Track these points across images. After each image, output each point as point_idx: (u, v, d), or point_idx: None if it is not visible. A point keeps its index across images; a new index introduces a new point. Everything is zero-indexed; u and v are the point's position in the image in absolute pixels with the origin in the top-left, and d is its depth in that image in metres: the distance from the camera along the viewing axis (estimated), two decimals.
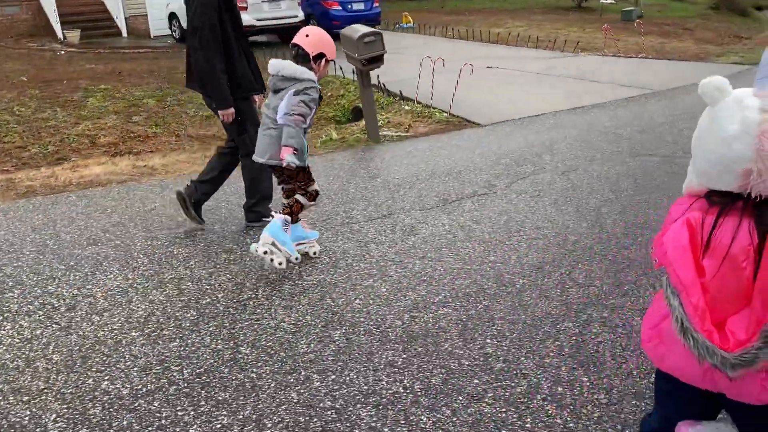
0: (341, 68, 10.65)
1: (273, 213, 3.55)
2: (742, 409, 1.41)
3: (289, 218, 3.47)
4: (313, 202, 3.66)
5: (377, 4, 15.77)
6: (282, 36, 15.40)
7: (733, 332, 1.29)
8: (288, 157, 3.24)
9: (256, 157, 3.52)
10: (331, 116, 9.75)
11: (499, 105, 8.46)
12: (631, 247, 3.81)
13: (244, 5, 14.10)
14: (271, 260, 3.36)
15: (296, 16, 14.64)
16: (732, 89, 1.39)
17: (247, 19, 14.11)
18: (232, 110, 3.86)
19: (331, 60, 3.49)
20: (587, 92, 9.03)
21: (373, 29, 6.47)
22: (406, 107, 8.65)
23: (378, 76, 9.72)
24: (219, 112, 3.88)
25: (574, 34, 16.02)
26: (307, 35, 3.43)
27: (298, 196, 3.55)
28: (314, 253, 3.75)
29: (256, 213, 4.15)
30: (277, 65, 3.37)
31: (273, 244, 3.36)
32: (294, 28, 15.16)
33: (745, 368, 1.26)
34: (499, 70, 11.08)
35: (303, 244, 3.71)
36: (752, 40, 18.55)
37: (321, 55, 3.43)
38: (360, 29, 6.36)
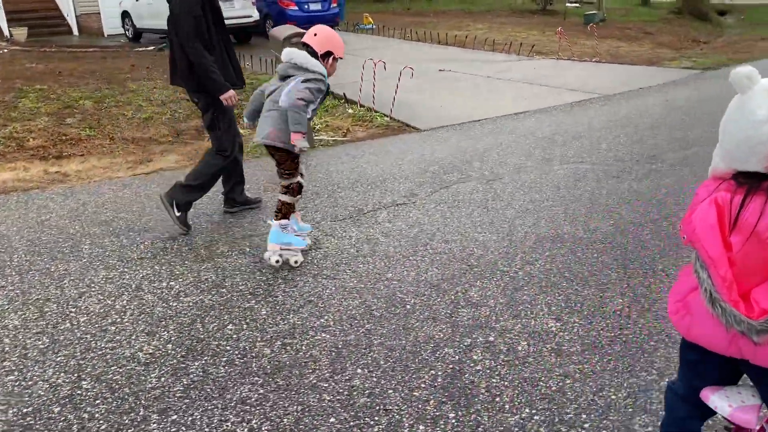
0: None
1: (180, 218, 3.91)
2: (760, 374, 1.52)
3: (285, 221, 3.59)
4: (299, 196, 3.67)
5: (335, 4, 15.51)
6: (238, 36, 15.05)
7: (758, 302, 1.39)
8: (299, 143, 3.30)
9: (256, 138, 3.52)
10: None
11: (443, 109, 8.26)
12: (536, 263, 3.61)
13: None
14: (296, 263, 3.61)
15: (250, 16, 14.30)
16: (760, 79, 1.47)
17: None
18: (231, 92, 3.89)
19: (340, 58, 3.54)
20: (534, 97, 8.90)
21: (301, 31, 6.21)
22: (350, 111, 8.41)
23: None
24: (221, 97, 3.86)
25: (533, 37, 15.95)
26: (315, 34, 3.50)
27: (282, 197, 3.58)
28: (296, 263, 3.68)
29: (177, 197, 4.02)
30: (290, 53, 3.41)
31: (281, 249, 3.58)
32: (249, 28, 14.97)
33: None
34: (450, 73, 10.91)
35: (287, 249, 3.70)
36: (710, 45, 18.74)
37: (329, 53, 3.49)
38: (286, 30, 6.12)
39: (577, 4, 26.86)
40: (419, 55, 13.03)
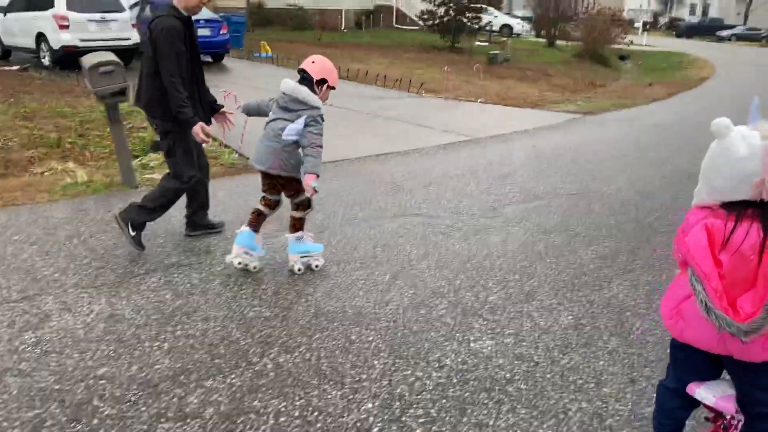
0: None
1: (134, 237, 4.11)
2: (740, 369, 1.86)
3: (300, 233, 3.86)
4: (310, 209, 3.90)
5: (225, 31, 14.83)
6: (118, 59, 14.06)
7: (743, 308, 1.71)
8: (312, 183, 3.45)
9: (255, 164, 3.73)
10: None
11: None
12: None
13: (66, 24, 12.72)
14: (316, 267, 3.93)
15: (129, 39, 13.38)
16: (734, 127, 1.80)
17: (67, 38, 12.72)
18: (198, 127, 3.85)
19: (333, 87, 3.71)
20: (405, 136, 8.51)
21: (113, 59, 5.48)
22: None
23: None
24: (192, 131, 3.85)
25: (429, 74, 15.83)
26: (313, 62, 3.67)
27: (294, 213, 3.83)
28: (255, 267, 3.93)
29: (134, 217, 4.09)
30: (293, 88, 3.57)
31: (301, 257, 3.87)
32: (128, 51, 14.02)
33: (755, 334, 1.70)
34: (331, 108, 10.40)
35: (250, 254, 3.89)
36: (606, 88, 19.34)
37: (323, 81, 3.65)
38: (94, 58, 5.37)
39: (487, 43, 27.36)
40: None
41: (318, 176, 3.49)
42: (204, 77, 4.18)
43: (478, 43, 26.49)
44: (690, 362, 1.98)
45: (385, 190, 5.90)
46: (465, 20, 24.05)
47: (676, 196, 5.92)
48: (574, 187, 6.13)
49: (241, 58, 16.85)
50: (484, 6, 25.00)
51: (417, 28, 26.74)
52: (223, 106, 4.37)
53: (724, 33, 43.45)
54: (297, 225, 3.87)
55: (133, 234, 4.09)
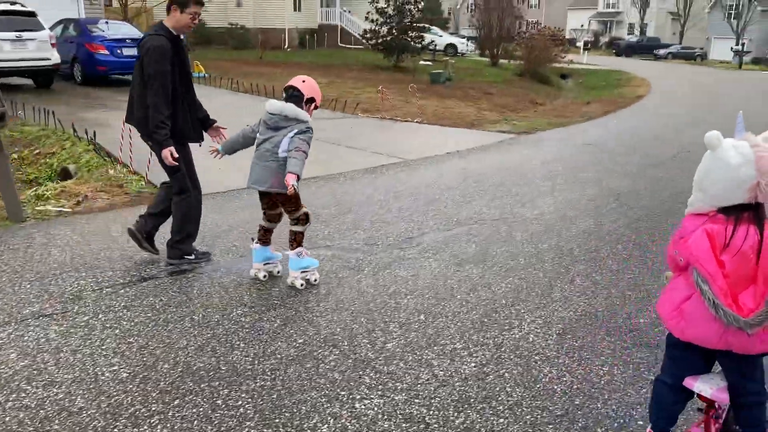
0: (59, 121, 8.96)
1: (198, 253, 4.33)
2: (735, 362, 2.04)
3: (300, 249, 3.93)
4: (308, 223, 3.99)
5: None
6: (36, 80, 13.30)
7: (745, 303, 1.88)
8: (292, 182, 3.57)
9: (254, 185, 3.87)
10: (32, 178, 7.99)
11: (220, 173, 7.23)
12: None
13: None
14: (315, 281, 4.03)
15: (48, 59, 12.64)
16: (724, 139, 1.98)
17: None
18: (168, 151, 3.93)
19: (317, 107, 3.96)
20: (333, 159, 8.15)
21: None
22: (111, 171, 7.15)
23: (95, 132, 8.20)
24: (161, 153, 3.95)
25: (368, 94, 15.57)
26: (303, 81, 3.86)
27: (294, 228, 3.93)
28: (278, 272, 4.16)
29: (179, 250, 4.26)
30: (280, 107, 3.75)
31: (303, 272, 3.96)
32: (47, 72, 13.30)
33: (759, 327, 1.86)
34: None
35: (270, 263, 4.11)
36: (546, 107, 19.51)
37: (311, 100, 3.86)
38: None
39: (430, 62, 27.41)
40: (231, 108, 12.05)
41: (299, 178, 3.64)
42: (194, 93, 4.23)
43: (422, 62, 26.52)
44: (687, 360, 2.12)
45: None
46: (408, 40, 24.01)
47: (600, 220, 5.72)
48: (498, 212, 5.87)
49: None
50: (427, 26, 25.06)
51: (362, 47, 26.59)
52: (216, 121, 4.42)
53: (661, 51, 45.03)
54: (298, 239, 3.97)
55: (193, 257, 4.32)
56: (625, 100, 18.64)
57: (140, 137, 4.26)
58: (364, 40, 26.15)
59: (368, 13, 24.74)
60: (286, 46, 29.63)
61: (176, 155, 3.97)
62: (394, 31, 23.89)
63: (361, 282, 4.12)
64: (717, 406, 2.17)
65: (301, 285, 3.96)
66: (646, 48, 46.89)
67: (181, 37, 4.10)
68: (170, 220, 4.33)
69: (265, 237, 4.07)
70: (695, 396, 2.16)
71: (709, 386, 2.10)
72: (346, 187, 6.77)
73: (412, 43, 24.32)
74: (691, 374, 2.14)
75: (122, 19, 24.89)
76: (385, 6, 23.77)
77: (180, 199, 4.20)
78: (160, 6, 26.62)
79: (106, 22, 15.11)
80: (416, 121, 11.92)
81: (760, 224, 1.92)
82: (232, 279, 4.11)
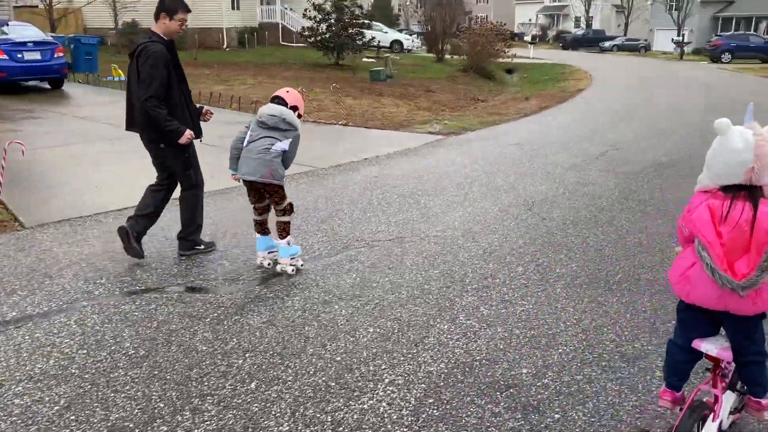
0: None
1: (205, 243, 4.67)
2: (735, 323, 2.27)
3: (289, 238, 4.27)
4: (293, 212, 4.31)
5: (60, 54, 13.16)
6: None
7: (740, 269, 2.11)
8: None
9: (247, 176, 4.11)
10: None
11: (96, 192, 6.40)
12: None
13: None
14: (299, 267, 4.33)
15: None
16: (732, 125, 2.20)
17: None
18: (188, 133, 4.24)
19: (301, 115, 4.29)
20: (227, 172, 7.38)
21: None
22: None
23: None
24: (180, 141, 4.21)
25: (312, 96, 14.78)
26: (287, 91, 4.26)
27: (281, 218, 4.25)
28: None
29: (191, 242, 4.54)
30: (283, 112, 4.12)
31: (292, 259, 4.29)
32: None
33: (750, 289, 2.10)
34: None
35: (273, 252, 4.41)
36: (488, 102, 19.08)
37: (295, 108, 4.23)
38: None
39: (374, 59, 26.73)
40: None
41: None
42: (191, 94, 4.46)
43: (365, 59, 25.84)
44: (694, 321, 2.34)
45: (160, 246, 4.75)
46: (348, 37, 23.29)
47: (507, 235, 5.14)
48: (396, 231, 5.23)
49: (87, 83, 15.14)
50: (367, 22, 24.32)
51: (304, 45, 25.69)
52: (202, 107, 4.60)
53: (607, 44, 45.42)
54: (286, 228, 4.26)
55: (203, 247, 4.62)
56: (565, 94, 18.34)
57: (144, 143, 4.40)
58: (303, 38, 25.33)
59: (306, 10, 23.92)
60: (225, 46, 28.54)
61: (194, 137, 4.29)
62: (333, 28, 23.13)
63: (195, 336, 3.40)
64: (723, 366, 2.40)
65: (292, 271, 4.27)
66: (592, 41, 47.25)
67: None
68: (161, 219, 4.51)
69: (262, 228, 4.39)
70: (703, 357, 2.37)
71: (715, 346, 2.31)
72: (235, 204, 6.02)
73: (352, 40, 23.60)
74: (698, 336, 2.36)
75: (49, 21, 23.55)
76: (323, 2, 22.97)
77: (191, 194, 4.48)
78: (90, 6, 25.41)
79: (7, 24, 13.92)
80: (340, 124, 11.22)
81: (754, 202, 2.14)
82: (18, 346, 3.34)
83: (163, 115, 4.11)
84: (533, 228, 5.33)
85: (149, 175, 4.58)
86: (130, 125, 4.37)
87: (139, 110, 4.19)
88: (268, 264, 4.35)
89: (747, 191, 2.15)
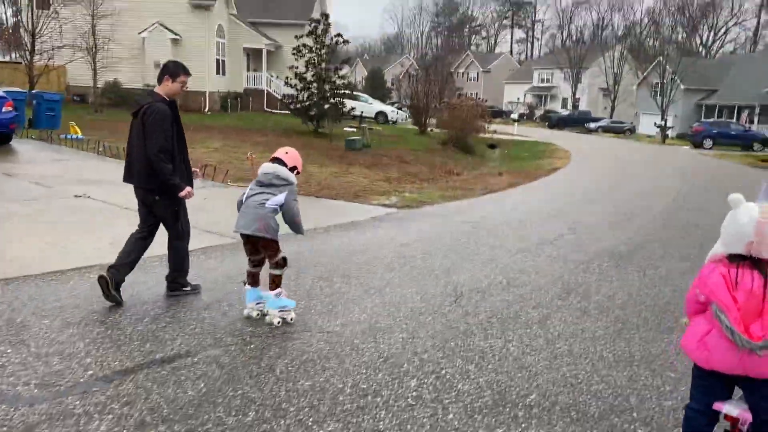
0: None
1: (191, 285, 4.94)
2: (752, 386, 2.40)
3: (279, 290, 4.39)
4: (286, 267, 4.44)
5: (9, 108, 12.64)
6: None
7: (755, 332, 2.26)
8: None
9: (242, 230, 4.35)
10: None
11: (18, 253, 5.62)
12: None
13: None
14: (291, 320, 4.42)
15: None
16: (745, 201, 2.43)
17: None
18: (189, 188, 4.63)
19: (299, 173, 4.56)
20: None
21: None
22: None
23: None
24: (180, 194, 4.58)
25: (265, 161, 14.23)
26: (286, 152, 4.49)
27: (273, 271, 4.39)
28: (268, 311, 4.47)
29: (177, 284, 4.87)
30: (276, 169, 4.36)
31: (280, 311, 4.38)
32: None
33: (767, 349, 2.24)
34: (88, 201, 8.45)
35: (261, 303, 4.50)
36: (461, 177, 18.66)
37: (294, 168, 4.47)
38: None
39: (355, 129, 26.54)
40: (73, 173, 10.52)
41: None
42: (188, 152, 4.78)
43: (347, 128, 25.66)
44: (712, 387, 2.48)
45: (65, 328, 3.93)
46: (328, 106, 23.17)
47: (416, 332, 4.34)
48: (289, 322, 4.44)
49: (42, 140, 14.57)
50: (348, 92, 24.27)
51: (288, 112, 25.52)
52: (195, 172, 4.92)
53: (593, 125, 46.05)
54: (276, 281, 4.37)
55: (187, 289, 4.87)
56: (539, 171, 17.97)
57: (137, 192, 4.68)
58: (283, 105, 25.25)
59: (287, 78, 23.91)
60: (206, 110, 28.42)
61: (192, 195, 4.66)
62: (314, 96, 23.04)
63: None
64: (740, 425, 2.50)
65: (278, 322, 4.33)
66: (578, 121, 47.97)
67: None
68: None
69: (253, 280, 4.51)
70: (720, 419, 2.52)
71: (736, 408, 2.47)
72: (146, 277, 5.22)
73: (334, 109, 23.48)
74: (715, 400, 2.50)
75: (28, 77, 23.35)
76: (304, 72, 22.97)
77: (178, 244, 4.81)
78: (74, 64, 25.32)
79: None
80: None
81: (762, 271, 2.34)
82: None
83: (169, 170, 4.42)
84: (450, 326, 4.55)
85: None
86: (128, 177, 4.68)
87: (139, 163, 4.50)
88: (257, 315, 4.45)
89: (751, 261, 2.35)
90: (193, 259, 5.29)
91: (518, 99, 62.96)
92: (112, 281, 4.47)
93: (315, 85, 22.90)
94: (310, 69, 23.02)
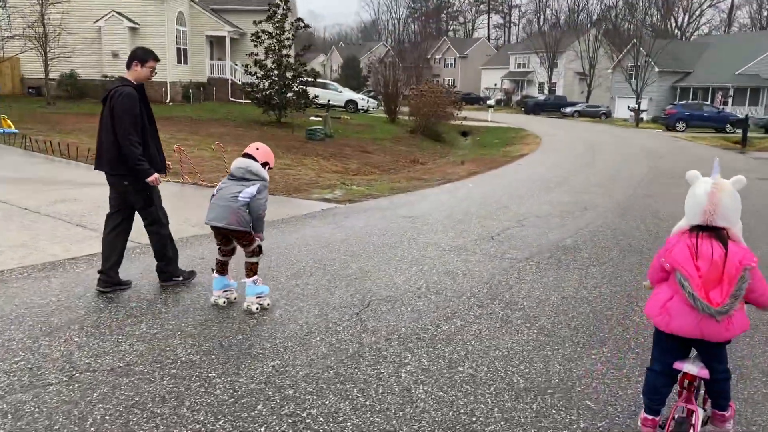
0: None
1: (184, 274, 4.91)
2: (707, 348, 2.59)
3: (256, 277, 4.43)
4: (261, 254, 4.54)
5: None
6: None
7: (714, 298, 2.43)
8: (261, 238, 4.49)
9: (214, 222, 4.36)
10: None
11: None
12: None
13: None
14: (268, 305, 4.45)
15: None
16: (701, 176, 2.64)
17: None
18: (156, 175, 4.55)
19: (271, 168, 4.57)
20: (51, 241, 5.87)
21: None
22: None
23: None
24: (147, 180, 4.49)
25: (203, 152, 13.42)
26: (257, 148, 4.51)
27: (249, 259, 4.46)
28: (235, 298, 4.56)
29: (168, 273, 4.82)
30: (249, 164, 4.38)
31: (258, 297, 4.41)
32: None
33: (725, 315, 2.42)
34: None
35: (228, 291, 4.56)
36: (425, 165, 17.96)
37: (266, 163, 4.50)
38: None
39: (319, 117, 25.66)
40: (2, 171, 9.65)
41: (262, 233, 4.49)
42: (158, 135, 4.77)
43: (313, 117, 24.77)
44: (671, 349, 2.64)
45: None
46: (291, 94, 22.28)
47: (286, 362, 3.62)
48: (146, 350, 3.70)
49: None
50: (312, 79, 23.35)
51: (252, 101, 24.58)
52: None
53: (568, 110, 45.51)
54: (253, 268, 4.45)
55: (180, 279, 4.89)
56: (505, 159, 17.32)
57: (108, 179, 4.61)
58: (244, 95, 24.32)
59: (247, 65, 22.97)
60: (167, 101, 27.37)
61: (159, 181, 4.59)
62: (275, 85, 22.13)
63: None
64: (696, 383, 2.69)
65: (257, 309, 4.36)
66: (554, 106, 47.41)
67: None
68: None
69: (222, 268, 4.51)
70: (678, 379, 2.69)
71: (696, 366, 2.61)
72: (48, 283, 4.44)
73: (295, 98, 22.61)
74: (674, 360, 2.64)
75: None
76: (264, 59, 22.02)
77: (154, 230, 4.72)
78: (28, 56, 24.13)
79: None
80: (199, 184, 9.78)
81: (722, 241, 2.50)
82: None
83: (137, 154, 4.40)
84: (338, 347, 3.84)
85: None
86: (99, 165, 4.62)
87: (109, 149, 4.45)
88: (223, 302, 4.47)
89: (711, 231, 2.53)
90: (44, 273, 4.51)
91: (495, 85, 62.26)
92: (110, 282, 4.60)
93: (276, 72, 22.00)
94: (270, 56, 22.11)
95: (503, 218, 8.11)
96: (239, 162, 4.40)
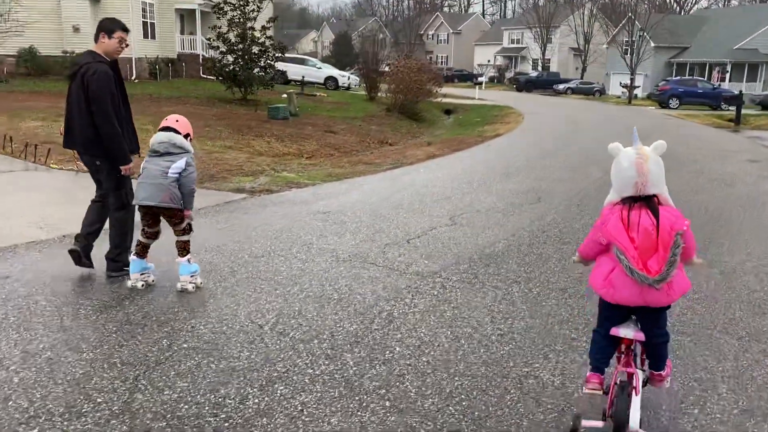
0: None
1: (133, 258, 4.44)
2: (647, 315, 2.63)
3: (189, 256, 4.29)
4: (192, 231, 4.37)
5: None
6: None
7: (652, 266, 2.46)
8: (191, 216, 4.33)
9: (145, 201, 4.15)
10: None
11: None
12: None
13: None
14: (199, 285, 4.32)
15: None
16: (623, 148, 2.64)
17: None
18: (129, 165, 4.38)
19: (192, 138, 4.35)
20: None
21: None
22: None
23: None
24: (121, 167, 4.34)
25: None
26: (177, 120, 4.30)
27: (181, 238, 4.29)
28: (153, 281, 4.38)
29: (119, 263, 4.55)
30: (171, 137, 4.16)
31: (192, 276, 4.29)
32: None
33: (663, 282, 2.45)
34: None
35: (145, 274, 4.37)
36: (394, 146, 16.67)
37: (188, 135, 4.30)
38: None
39: (297, 95, 24.17)
40: None
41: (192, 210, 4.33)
42: (132, 114, 4.62)
43: (285, 95, 23.31)
44: (614, 316, 2.69)
45: None
46: (257, 70, 20.83)
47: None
48: None
49: None
50: (279, 54, 21.83)
51: (216, 77, 23.12)
52: None
53: (561, 86, 43.94)
54: (186, 246, 4.30)
55: (128, 269, 4.45)
56: (476, 139, 15.97)
57: (82, 158, 4.52)
58: (207, 71, 22.87)
59: (210, 39, 21.51)
60: (133, 78, 25.89)
61: (132, 172, 4.39)
62: (240, 60, 20.66)
63: None
64: (633, 347, 2.73)
65: (193, 287, 4.25)
66: (547, 83, 45.82)
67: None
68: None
69: (142, 251, 4.33)
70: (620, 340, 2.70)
71: (631, 330, 2.67)
72: None
73: (261, 74, 21.17)
74: (616, 324, 2.70)
75: None
76: (226, 32, 20.52)
77: (120, 215, 4.51)
78: None
79: None
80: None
81: (653, 210, 2.50)
82: None
83: (117, 135, 4.23)
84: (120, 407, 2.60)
85: None
86: (69, 143, 4.48)
87: (81, 127, 4.26)
88: (142, 285, 4.28)
89: (643, 201, 2.54)
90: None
91: (488, 61, 60.47)
92: (84, 251, 4.44)
93: (240, 47, 20.54)
94: (233, 29, 20.63)
95: (435, 214, 6.84)
96: (160, 136, 4.15)
